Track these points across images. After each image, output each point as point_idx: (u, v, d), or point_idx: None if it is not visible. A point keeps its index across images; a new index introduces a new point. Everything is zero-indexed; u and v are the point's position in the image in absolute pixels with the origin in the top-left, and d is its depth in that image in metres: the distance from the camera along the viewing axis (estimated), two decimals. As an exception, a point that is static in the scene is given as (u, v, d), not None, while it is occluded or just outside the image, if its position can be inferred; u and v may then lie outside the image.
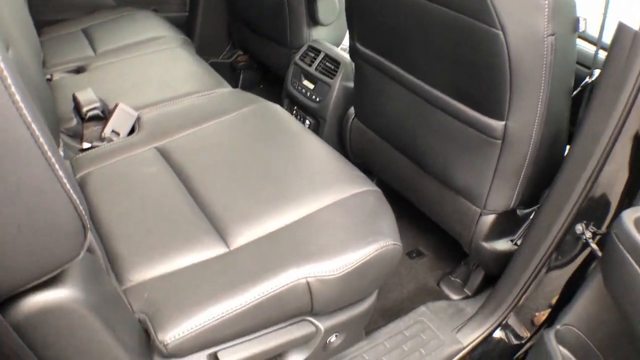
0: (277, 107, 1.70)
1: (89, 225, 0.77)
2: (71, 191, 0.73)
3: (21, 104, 0.64)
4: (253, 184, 1.35)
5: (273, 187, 1.34)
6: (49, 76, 1.97)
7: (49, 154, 0.69)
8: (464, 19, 1.21)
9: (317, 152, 1.48)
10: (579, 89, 1.36)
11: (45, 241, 0.72)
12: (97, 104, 1.66)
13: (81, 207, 0.75)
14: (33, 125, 0.65)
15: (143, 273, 1.13)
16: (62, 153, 1.46)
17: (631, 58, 1.07)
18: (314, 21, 2.28)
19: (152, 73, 1.91)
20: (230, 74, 2.88)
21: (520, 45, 1.16)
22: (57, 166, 0.70)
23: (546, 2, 1.11)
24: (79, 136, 1.65)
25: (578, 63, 1.37)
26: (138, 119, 1.63)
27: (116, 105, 1.61)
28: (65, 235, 0.75)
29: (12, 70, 0.64)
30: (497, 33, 1.15)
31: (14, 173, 0.65)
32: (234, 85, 2.72)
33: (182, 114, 1.67)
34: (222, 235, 1.22)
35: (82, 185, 1.40)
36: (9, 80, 0.62)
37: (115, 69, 1.97)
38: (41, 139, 0.67)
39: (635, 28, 1.07)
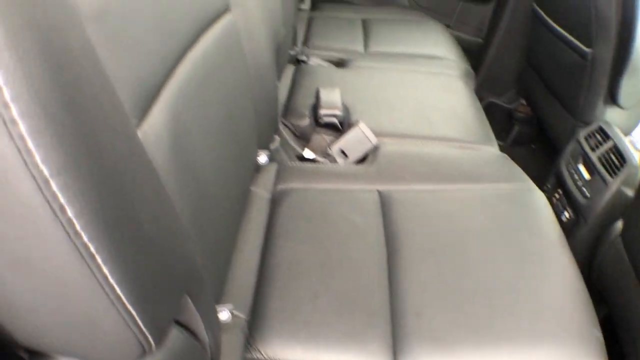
0: (541, 198, 1.30)
1: (152, 342, 0.49)
2: (123, 298, 0.44)
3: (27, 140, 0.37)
4: (466, 292, 0.98)
5: (488, 309, 0.95)
6: (304, 57, 1.77)
7: (77, 227, 0.40)
8: None
9: (564, 284, 1.05)
10: None
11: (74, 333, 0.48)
12: (338, 113, 1.39)
13: (144, 328, 0.46)
14: (49, 180, 0.38)
15: (276, 349, 0.87)
16: (265, 159, 1.20)
17: None
18: (612, 98, 1.81)
19: (415, 98, 1.60)
20: (505, 121, 2.51)
21: None
22: (96, 256, 0.42)
23: None
24: (305, 138, 1.40)
25: None
26: (375, 148, 1.32)
27: (356, 122, 1.32)
28: (107, 342, 0.48)
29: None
30: None
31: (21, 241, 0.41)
32: (505, 135, 2.39)
33: (429, 161, 1.34)
34: (395, 347, 0.88)
35: (276, 200, 1.17)
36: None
37: (378, 76, 1.70)
38: (62, 200, 0.39)
39: None
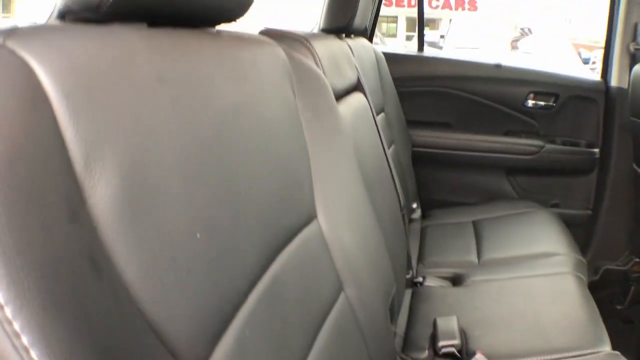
0: None
1: None
2: None
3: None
4: None
5: None
6: (420, 279, 1.93)
7: None
8: None
9: None
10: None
11: None
12: (456, 342, 1.50)
13: None
14: None
15: None
16: None
17: None
18: None
19: (530, 309, 1.68)
20: (622, 284, 2.51)
21: None
22: None
23: None
24: (428, 371, 1.52)
25: None
26: (493, 376, 1.41)
27: (473, 353, 1.43)
28: None
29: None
30: None
31: None
32: (622, 297, 2.38)
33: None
34: None
35: None
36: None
37: (493, 291, 1.81)
38: None
39: None
